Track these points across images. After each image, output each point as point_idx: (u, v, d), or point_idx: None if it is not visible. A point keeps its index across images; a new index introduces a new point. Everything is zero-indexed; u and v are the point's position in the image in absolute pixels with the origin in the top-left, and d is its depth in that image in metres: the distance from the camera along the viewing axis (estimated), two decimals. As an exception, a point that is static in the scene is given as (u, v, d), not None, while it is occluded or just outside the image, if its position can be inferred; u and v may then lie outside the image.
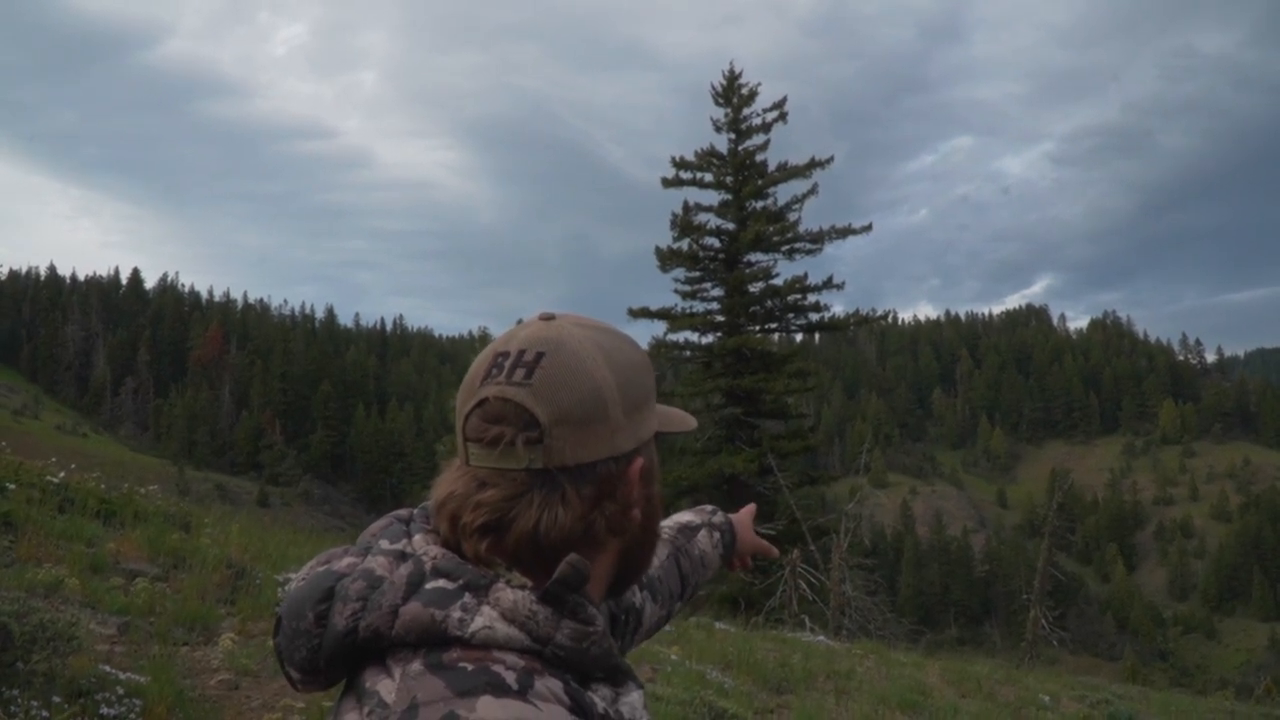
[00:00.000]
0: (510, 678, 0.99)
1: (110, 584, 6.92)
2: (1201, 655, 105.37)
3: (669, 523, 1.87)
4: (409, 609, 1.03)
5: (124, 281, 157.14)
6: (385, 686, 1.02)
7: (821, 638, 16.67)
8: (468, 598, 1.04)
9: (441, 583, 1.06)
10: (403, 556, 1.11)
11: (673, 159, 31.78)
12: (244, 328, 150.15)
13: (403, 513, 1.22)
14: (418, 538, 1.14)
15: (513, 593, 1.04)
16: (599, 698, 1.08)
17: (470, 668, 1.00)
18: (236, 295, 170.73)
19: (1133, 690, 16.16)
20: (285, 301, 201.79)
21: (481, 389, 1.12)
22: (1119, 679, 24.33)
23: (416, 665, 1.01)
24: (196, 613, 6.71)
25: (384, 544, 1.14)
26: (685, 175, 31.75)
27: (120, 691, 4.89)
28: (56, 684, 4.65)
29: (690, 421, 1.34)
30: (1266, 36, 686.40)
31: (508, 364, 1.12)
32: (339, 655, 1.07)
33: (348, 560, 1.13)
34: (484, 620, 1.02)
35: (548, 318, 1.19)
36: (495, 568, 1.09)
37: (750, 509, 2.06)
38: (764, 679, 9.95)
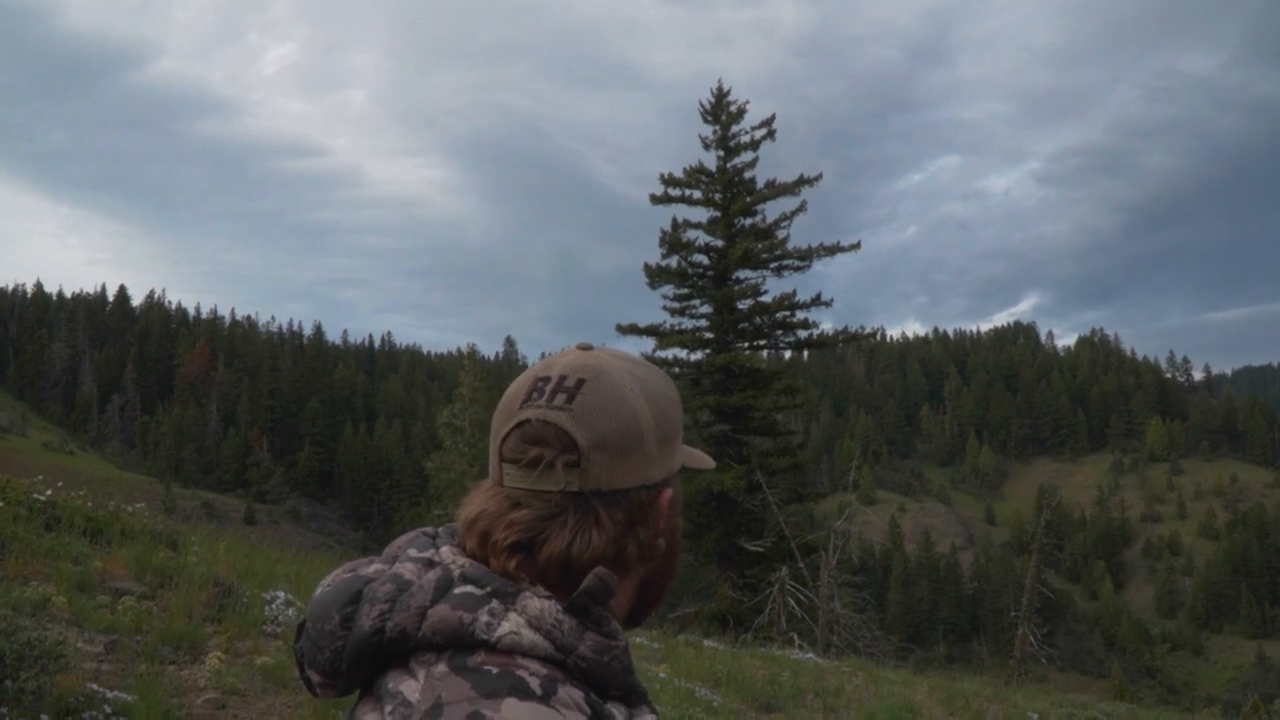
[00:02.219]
0: (534, 683, 1.01)
1: (97, 602, 6.90)
2: (1189, 672, 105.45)
3: None
4: (437, 611, 1.06)
5: (110, 299, 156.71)
6: (409, 687, 1.04)
7: (810, 655, 16.67)
8: (495, 604, 1.07)
9: (469, 588, 1.08)
10: (430, 564, 1.14)
11: (661, 176, 31.86)
12: (231, 345, 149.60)
13: (429, 529, 1.25)
14: (445, 549, 1.17)
15: (540, 601, 1.07)
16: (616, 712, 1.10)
17: (495, 670, 1.01)
18: (224, 312, 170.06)
19: (1120, 708, 16.19)
20: (273, 318, 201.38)
21: (521, 411, 1.16)
22: (1107, 696, 24.36)
23: (441, 667, 1.03)
24: (183, 631, 6.69)
25: (412, 552, 1.17)
26: (674, 192, 31.81)
27: (108, 710, 4.88)
28: (44, 702, 4.64)
29: (709, 462, 1.36)
30: (1248, 58, 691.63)
31: (549, 388, 1.17)
32: (363, 656, 1.09)
33: (375, 567, 1.16)
34: (510, 626, 1.05)
35: (586, 347, 1.24)
36: (520, 583, 1.11)
37: None
38: (753, 696, 9.95)
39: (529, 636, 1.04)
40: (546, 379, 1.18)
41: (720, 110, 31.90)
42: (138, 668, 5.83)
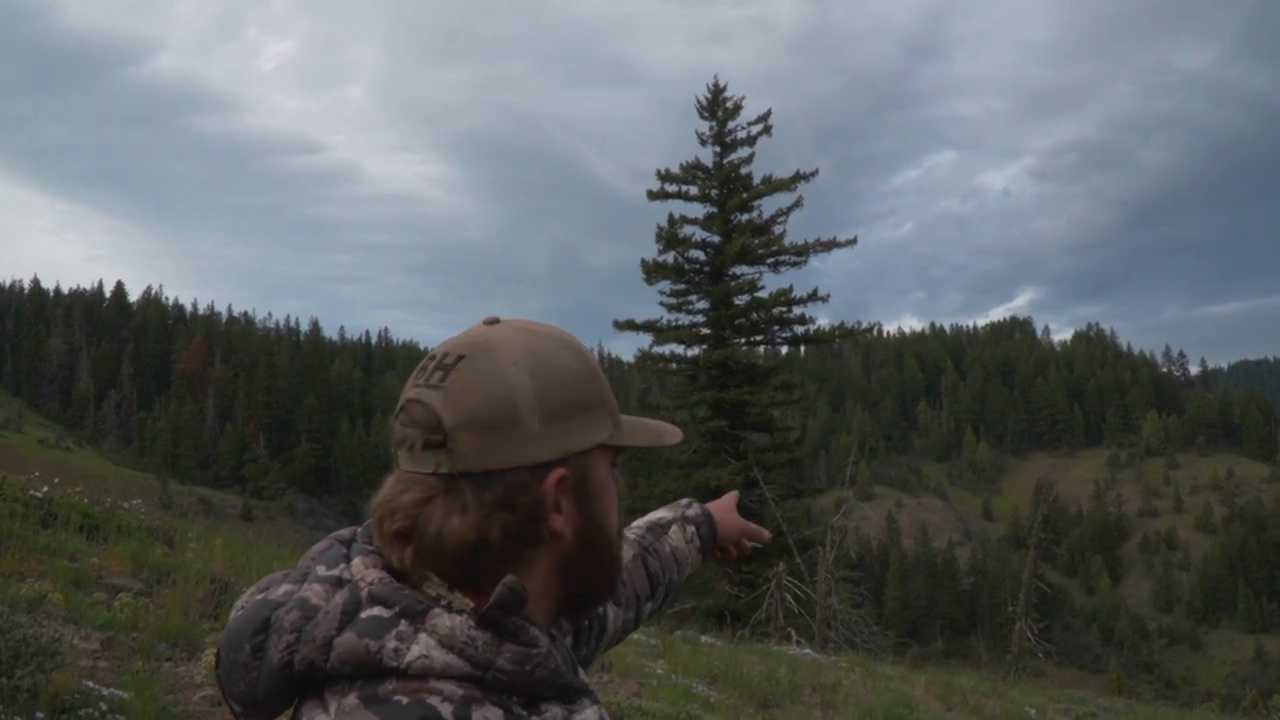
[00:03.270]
0: (446, 710, 0.96)
1: (93, 599, 6.88)
2: (1187, 667, 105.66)
3: (640, 521, 1.81)
4: (343, 640, 1.01)
5: (108, 294, 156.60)
6: None
7: (807, 651, 16.67)
8: (403, 625, 1.01)
9: (377, 610, 1.03)
10: (339, 583, 1.07)
11: (658, 172, 31.85)
12: (228, 341, 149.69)
13: (344, 533, 1.19)
14: (356, 561, 1.10)
15: (450, 618, 1.02)
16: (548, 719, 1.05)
17: (405, 701, 0.96)
18: (222, 308, 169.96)
19: (1118, 703, 16.21)
20: (270, 314, 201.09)
21: (406, 391, 1.12)
22: (1104, 691, 24.38)
23: (351, 699, 0.98)
24: (180, 628, 6.67)
25: (321, 570, 1.10)
26: (671, 188, 31.80)
27: (104, 707, 4.87)
28: (40, 700, 4.63)
29: (666, 437, 1.26)
30: (1242, 53, 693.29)
31: (431, 366, 1.11)
32: (277, 688, 1.05)
33: (285, 588, 1.10)
34: (420, 649, 0.99)
35: (491, 321, 1.16)
36: (426, 582, 1.06)
37: (732, 496, 1.97)
38: (750, 692, 9.95)
39: (441, 658, 0.99)
40: (434, 356, 1.12)
41: (717, 106, 31.89)
42: (134, 664, 5.82)
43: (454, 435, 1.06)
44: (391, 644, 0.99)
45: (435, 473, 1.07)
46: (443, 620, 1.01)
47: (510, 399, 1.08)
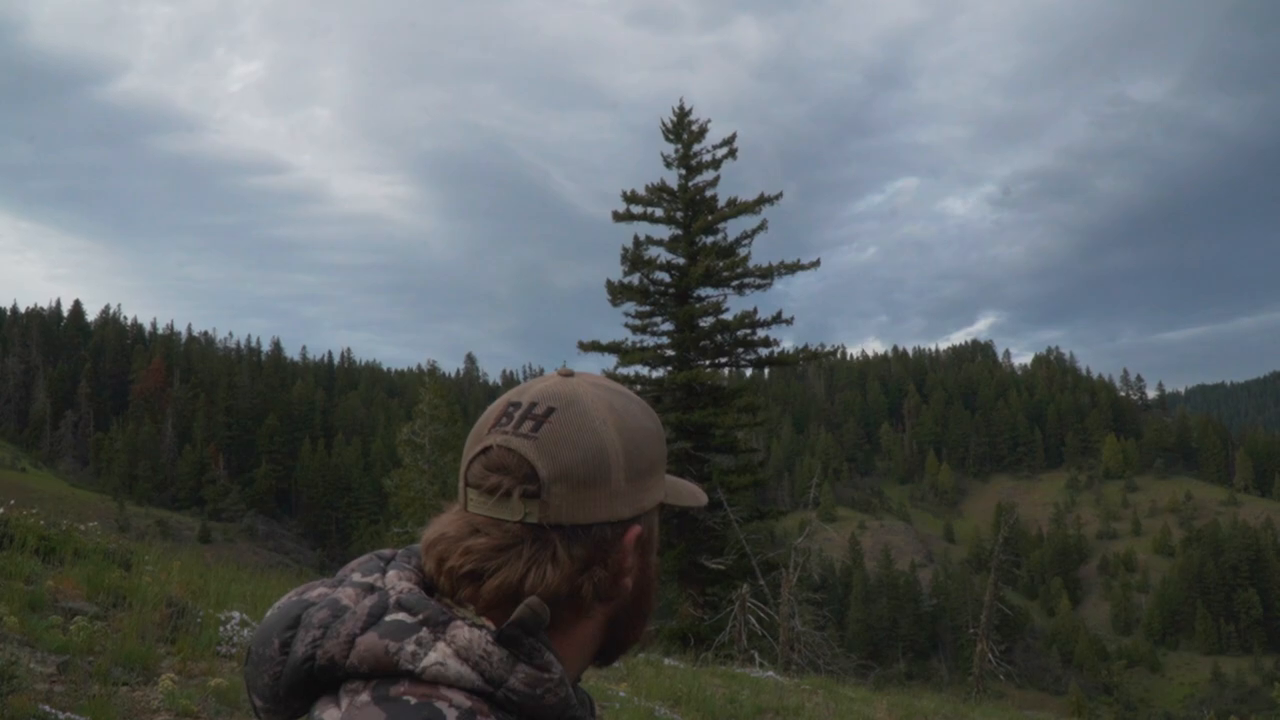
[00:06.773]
0: (452, 716, 0.98)
1: (49, 622, 6.79)
2: (1145, 689, 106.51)
3: None
4: (365, 639, 1.04)
5: (66, 314, 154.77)
6: (331, 715, 1.04)
7: (770, 673, 16.66)
8: (424, 632, 1.04)
9: (401, 616, 1.06)
10: (371, 589, 1.12)
11: (624, 193, 31.84)
12: (188, 361, 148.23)
13: (385, 552, 1.22)
14: (391, 573, 1.14)
15: (469, 631, 1.04)
16: None
17: (414, 702, 0.99)
18: (183, 328, 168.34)
19: (1078, 724, 16.32)
20: (230, 334, 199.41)
21: (488, 436, 1.13)
22: (1065, 713, 24.56)
23: (364, 696, 1.02)
24: (136, 652, 6.59)
25: (356, 577, 1.15)
26: (636, 210, 31.82)
27: (59, 733, 4.80)
28: (-8, 725, 4.56)
29: (700, 497, 1.30)
30: (1196, 85, 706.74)
31: (517, 414, 1.14)
32: (298, 683, 1.08)
33: (319, 590, 1.14)
34: (437, 656, 1.02)
35: (566, 374, 1.20)
36: (464, 611, 1.09)
37: None
38: (712, 715, 9.93)
39: (455, 667, 1.01)
40: (518, 404, 1.15)
41: (682, 129, 31.98)
42: (90, 689, 5.75)
43: (549, 487, 1.09)
44: (410, 648, 1.02)
45: (522, 521, 1.10)
46: (462, 632, 1.04)
47: (603, 456, 1.12)
